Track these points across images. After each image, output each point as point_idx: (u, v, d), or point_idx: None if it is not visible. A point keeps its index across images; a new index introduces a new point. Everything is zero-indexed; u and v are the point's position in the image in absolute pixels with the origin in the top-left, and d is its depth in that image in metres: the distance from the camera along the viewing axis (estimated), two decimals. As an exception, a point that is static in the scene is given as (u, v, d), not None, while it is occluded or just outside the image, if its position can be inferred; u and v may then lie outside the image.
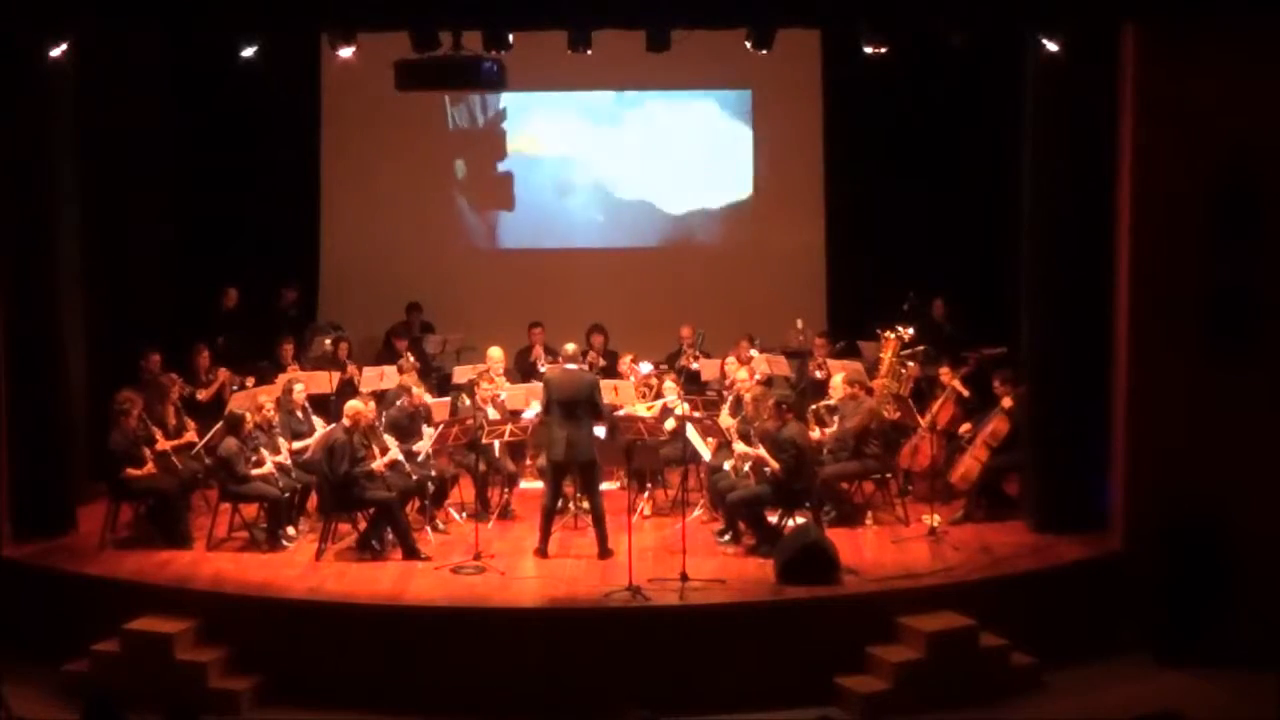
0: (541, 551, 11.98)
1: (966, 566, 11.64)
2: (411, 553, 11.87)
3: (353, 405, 12.19)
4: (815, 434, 12.63)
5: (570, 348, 12.47)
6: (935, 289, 14.90)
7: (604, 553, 11.89)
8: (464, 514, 12.95)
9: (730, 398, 13.25)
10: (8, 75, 11.94)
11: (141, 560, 11.87)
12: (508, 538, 12.52)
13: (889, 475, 13.00)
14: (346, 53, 12.00)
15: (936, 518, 12.43)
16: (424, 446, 12.67)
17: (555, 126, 16.48)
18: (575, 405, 11.94)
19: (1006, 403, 12.69)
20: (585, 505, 12.59)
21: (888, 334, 13.53)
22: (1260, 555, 11.35)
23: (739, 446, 12.35)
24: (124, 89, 13.80)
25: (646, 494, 13.34)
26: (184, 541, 12.15)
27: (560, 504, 12.45)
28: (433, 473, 12.69)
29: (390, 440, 12.42)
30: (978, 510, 12.69)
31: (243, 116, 15.51)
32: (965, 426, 12.94)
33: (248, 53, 11.96)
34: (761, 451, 11.96)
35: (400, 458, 12.29)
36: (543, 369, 14.42)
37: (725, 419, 12.86)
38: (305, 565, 11.81)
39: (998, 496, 12.84)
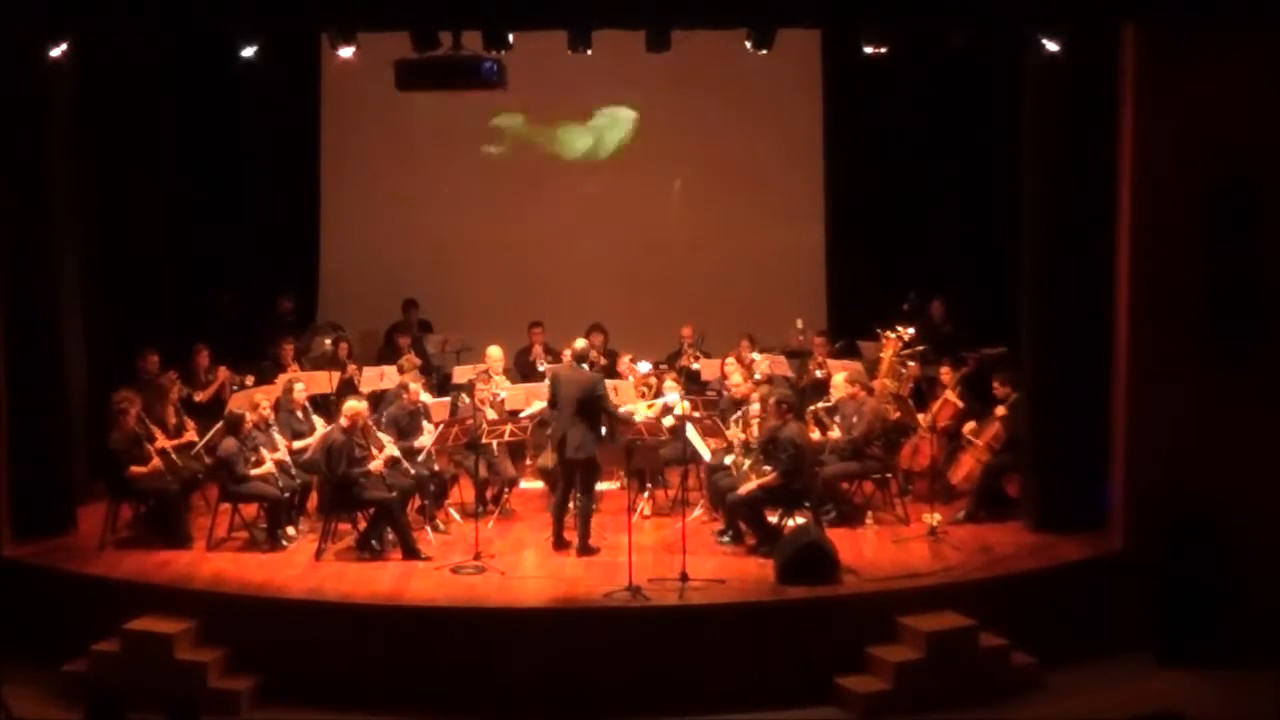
0: (556, 544, 12.05)
1: (966, 566, 11.65)
2: (411, 553, 11.88)
3: (351, 405, 12.19)
4: (815, 435, 12.63)
5: (580, 344, 12.49)
6: (935, 289, 14.91)
7: (582, 549, 11.94)
8: (463, 514, 12.95)
9: (740, 410, 13.12)
10: (8, 75, 11.94)
11: (141, 560, 11.87)
12: (508, 538, 12.53)
13: (889, 475, 13.00)
14: (346, 53, 12.01)
15: (936, 517, 12.43)
16: (425, 442, 12.68)
17: (555, 125, 16.49)
18: (574, 404, 11.97)
19: (1001, 410, 12.70)
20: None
21: (888, 334, 13.55)
22: (1260, 555, 11.35)
23: (735, 436, 12.36)
24: (124, 89, 13.81)
25: (646, 494, 13.34)
26: (184, 541, 12.15)
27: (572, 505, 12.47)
28: (436, 467, 12.72)
29: (386, 438, 12.42)
30: (980, 511, 12.70)
31: (242, 117, 15.51)
32: (970, 425, 12.95)
33: (248, 53, 11.97)
34: (755, 483, 11.93)
35: (397, 453, 12.29)
36: (542, 369, 14.43)
37: (734, 434, 12.76)
38: (305, 565, 11.81)
39: (998, 496, 12.85)
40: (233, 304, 15.26)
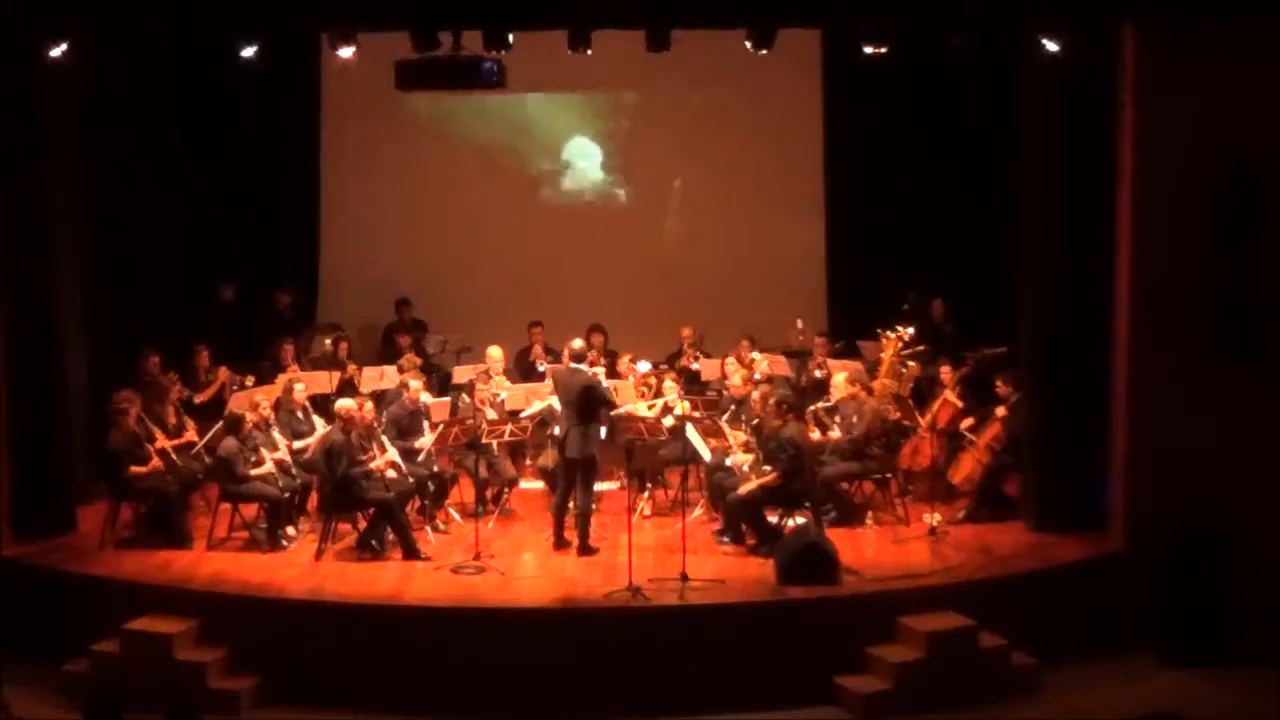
0: (557, 544, 12.07)
1: (966, 566, 11.65)
2: (411, 553, 11.88)
3: (343, 404, 12.18)
4: (815, 435, 12.63)
5: (577, 344, 12.48)
6: (935, 289, 14.91)
7: (582, 549, 11.95)
8: (463, 514, 12.95)
9: (732, 407, 13.14)
10: (8, 75, 11.94)
11: (141, 560, 11.87)
12: (508, 538, 12.53)
13: (889, 475, 13.00)
14: (346, 53, 12.00)
15: (936, 517, 12.44)
16: (425, 443, 12.68)
17: (556, 125, 16.49)
18: (572, 404, 11.99)
19: (1001, 411, 12.70)
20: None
21: (888, 334, 13.55)
22: (1260, 555, 11.35)
23: (735, 436, 12.36)
24: (124, 89, 13.80)
25: (646, 494, 13.34)
26: (184, 541, 12.16)
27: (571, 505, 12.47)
28: (435, 468, 12.72)
29: (387, 442, 12.41)
30: (980, 511, 12.70)
31: (243, 117, 15.51)
32: (968, 422, 12.95)
33: (248, 53, 11.97)
34: (755, 483, 11.93)
35: (398, 459, 12.29)
36: (542, 369, 14.43)
37: (734, 435, 12.76)
38: (305, 565, 11.81)
39: (998, 497, 12.85)
40: (234, 303, 15.26)
